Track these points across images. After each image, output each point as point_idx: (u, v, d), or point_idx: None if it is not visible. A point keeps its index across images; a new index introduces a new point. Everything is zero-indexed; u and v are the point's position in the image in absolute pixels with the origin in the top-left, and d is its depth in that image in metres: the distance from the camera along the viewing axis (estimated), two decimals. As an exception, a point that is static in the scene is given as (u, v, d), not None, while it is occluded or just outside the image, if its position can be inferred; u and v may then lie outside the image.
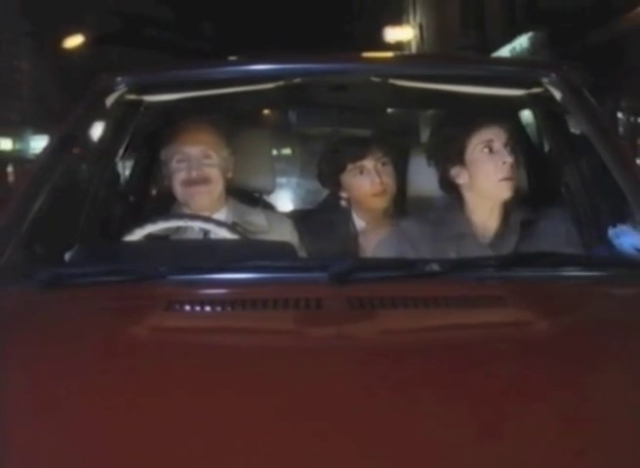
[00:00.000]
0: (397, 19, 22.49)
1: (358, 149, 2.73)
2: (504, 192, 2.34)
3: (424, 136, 3.72)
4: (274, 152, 2.87)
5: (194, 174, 2.46)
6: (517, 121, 2.69)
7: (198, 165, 2.47)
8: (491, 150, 2.33)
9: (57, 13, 15.71)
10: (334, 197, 2.87)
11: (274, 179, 2.81)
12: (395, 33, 21.20)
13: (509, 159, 2.31)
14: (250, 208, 2.62)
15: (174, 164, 2.49)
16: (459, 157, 2.36)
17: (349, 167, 2.74)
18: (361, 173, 2.73)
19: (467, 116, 2.41)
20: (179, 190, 2.50)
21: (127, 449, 1.21)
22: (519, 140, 2.42)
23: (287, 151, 6.06)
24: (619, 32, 10.15)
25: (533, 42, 13.80)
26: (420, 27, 21.80)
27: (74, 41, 16.30)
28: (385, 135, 2.83)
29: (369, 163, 2.71)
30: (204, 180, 2.47)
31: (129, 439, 1.23)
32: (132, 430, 1.25)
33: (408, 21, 22.64)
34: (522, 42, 14.19)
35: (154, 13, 20.07)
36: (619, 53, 10.15)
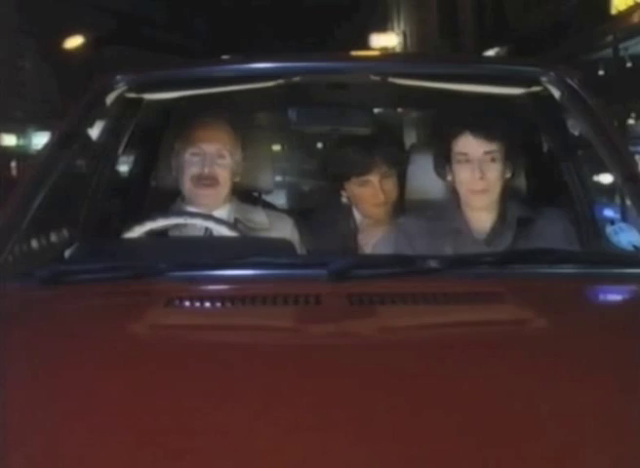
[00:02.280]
0: (382, 27, 23.39)
1: (364, 164, 2.73)
2: (475, 202, 2.36)
3: (408, 137, 3.73)
4: None
5: (206, 171, 2.46)
6: (517, 122, 2.67)
7: (211, 162, 2.47)
8: (466, 160, 2.33)
9: (55, 13, 15.84)
10: (335, 194, 2.88)
11: (273, 179, 2.81)
12: (380, 39, 21.93)
13: (478, 174, 2.30)
14: (251, 206, 2.63)
15: (187, 156, 2.49)
16: (446, 156, 2.39)
17: (353, 179, 2.76)
18: (364, 185, 2.74)
19: (455, 119, 2.40)
20: (186, 185, 2.50)
21: (126, 445, 1.20)
22: (514, 143, 2.40)
23: (276, 148, 5.98)
24: (572, 50, 10.78)
25: (499, 56, 14.54)
26: (404, 35, 22.69)
27: (75, 41, 16.47)
28: (391, 146, 2.83)
29: (373, 177, 2.73)
30: (213, 179, 2.47)
31: (128, 435, 1.23)
32: (131, 426, 1.25)
33: (392, 29, 23.58)
34: (490, 55, 15.05)
35: (149, 12, 20.13)
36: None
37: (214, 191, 2.48)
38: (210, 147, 2.48)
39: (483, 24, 16.69)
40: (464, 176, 2.33)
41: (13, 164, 13.31)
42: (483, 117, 2.38)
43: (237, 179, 2.56)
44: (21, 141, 16.35)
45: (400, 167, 2.73)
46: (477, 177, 2.30)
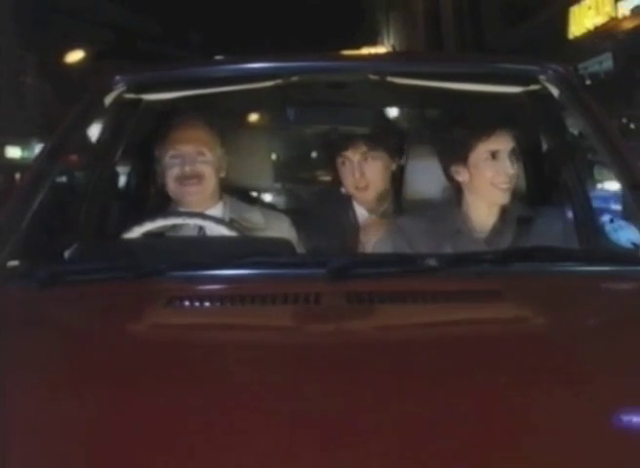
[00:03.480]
0: (373, 40, 24.33)
1: (343, 140, 2.78)
2: (500, 199, 2.36)
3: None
4: None
5: (187, 169, 2.47)
6: (522, 122, 2.67)
7: (192, 161, 2.48)
8: (495, 158, 2.34)
9: (53, 28, 16.05)
10: (334, 185, 2.89)
11: (271, 178, 2.81)
12: (371, 52, 22.87)
13: (511, 170, 2.33)
14: (247, 205, 2.63)
15: (167, 160, 2.51)
16: (462, 157, 2.37)
17: (337, 156, 2.79)
18: (344, 164, 2.77)
19: (477, 120, 2.41)
20: (171, 186, 2.52)
21: (127, 446, 1.20)
22: (521, 142, 2.41)
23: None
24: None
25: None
26: (394, 48, 23.50)
27: (74, 56, 16.67)
28: (379, 131, 2.84)
29: (352, 155, 2.75)
30: (197, 176, 2.48)
31: (129, 435, 1.23)
32: (132, 426, 1.25)
33: (382, 42, 24.48)
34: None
35: (144, 25, 20.25)
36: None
37: (200, 187, 2.50)
38: (188, 147, 2.49)
39: (464, 43, 17.99)
40: (492, 173, 2.34)
41: (17, 175, 13.43)
42: (509, 115, 2.41)
43: (223, 175, 2.56)
44: (25, 153, 16.53)
45: (385, 153, 2.74)
46: (509, 173, 2.33)
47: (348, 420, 1.24)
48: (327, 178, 4.05)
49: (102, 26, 18.75)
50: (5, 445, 1.21)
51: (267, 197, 3.07)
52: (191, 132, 2.52)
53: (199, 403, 1.30)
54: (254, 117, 4.10)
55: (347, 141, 2.77)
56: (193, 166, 2.48)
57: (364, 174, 2.74)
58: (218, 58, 2.77)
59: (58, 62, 16.38)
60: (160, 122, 2.72)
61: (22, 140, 16.30)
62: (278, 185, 3.70)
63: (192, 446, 1.19)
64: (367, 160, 2.74)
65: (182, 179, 2.48)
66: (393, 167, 2.78)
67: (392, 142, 2.78)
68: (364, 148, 2.74)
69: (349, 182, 2.77)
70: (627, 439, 1.24)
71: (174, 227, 2.37)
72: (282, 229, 2.54)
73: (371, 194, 2.77)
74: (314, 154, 4.62)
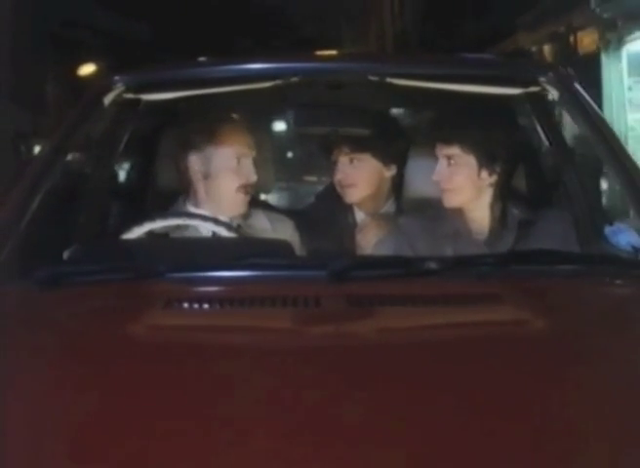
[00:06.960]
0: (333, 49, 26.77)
1: (328, 142, 2.81)
2: (444, 200, 2.38)
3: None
4: None
5: (253, 178, 2.46)
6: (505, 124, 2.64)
7: (249, 172, 2.47)
8: (437, 161, 2.37)
9: (70, 42, 16.50)
10: (334, 188, 2.89)
11: (273, 179, 2.81)
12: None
13: (435, 175, 2.35)
14: (252, 210, 2.62)
15: (226, 161, 2.46)
16: None
17: (330, 157, 2.81)
18: (334, 164, 2.79)
19: (436, 124, 2.44)
20: (228, 192, 2.47)
21: (125, 447, 1.21)
22: (492, 147, 2.39)
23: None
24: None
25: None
26: None
27: (87, 68, 17.24)
28: (367, 134, 2.84)
29: (335, 157, 2.77)
30: (251, 188, 2.48)
31: (128, 436, 1.23)
32: (130, 428, 1.25)
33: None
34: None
35: (144, 35, 20.52)
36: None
37: (248, 197, 2.50)
38: (249, 152, 2.48)
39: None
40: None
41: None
42: (447, 120, 2.42)
43: None
44: (45, 150, 17.35)
45: (373, 157, 2.74)
46: (435, 178, 2.36)
47: (348, 424, 1.24)
48: (313, 179, 4.06)
49: (113, 39, 18.96)
50: (4, 444, 1.21)
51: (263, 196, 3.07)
52: (245, 137, 2.51)
53: (198, 405, 1.30)
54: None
55: (333, 143, 2.79)
56: (252, 177, 2.47)
57: (348, 175, 2.75)
58: (201, 59, 2.75)
59: (73, 73, 16.91)
60: (163, 122, 2.71)
61: (43, 140, 16.99)
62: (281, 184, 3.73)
63: (190, 447, 1.19)
64: (352, 162, 2.75)
65: (245, 187, 2.46)
66: (387, 173, 2.77)
67: (388, 147, 2.77)
68: (347, 150, 2.75)
69: (336, 181, 2.79)
70: (626, 439, 1.24)
71: (178, 228, 2.36)
72: (286, 233, 2.53)
73: (357, 194, 2.77)
74: (290, 154, 4.64)
